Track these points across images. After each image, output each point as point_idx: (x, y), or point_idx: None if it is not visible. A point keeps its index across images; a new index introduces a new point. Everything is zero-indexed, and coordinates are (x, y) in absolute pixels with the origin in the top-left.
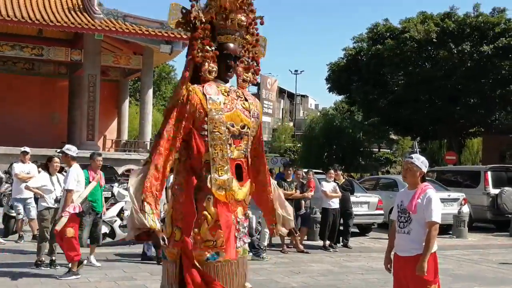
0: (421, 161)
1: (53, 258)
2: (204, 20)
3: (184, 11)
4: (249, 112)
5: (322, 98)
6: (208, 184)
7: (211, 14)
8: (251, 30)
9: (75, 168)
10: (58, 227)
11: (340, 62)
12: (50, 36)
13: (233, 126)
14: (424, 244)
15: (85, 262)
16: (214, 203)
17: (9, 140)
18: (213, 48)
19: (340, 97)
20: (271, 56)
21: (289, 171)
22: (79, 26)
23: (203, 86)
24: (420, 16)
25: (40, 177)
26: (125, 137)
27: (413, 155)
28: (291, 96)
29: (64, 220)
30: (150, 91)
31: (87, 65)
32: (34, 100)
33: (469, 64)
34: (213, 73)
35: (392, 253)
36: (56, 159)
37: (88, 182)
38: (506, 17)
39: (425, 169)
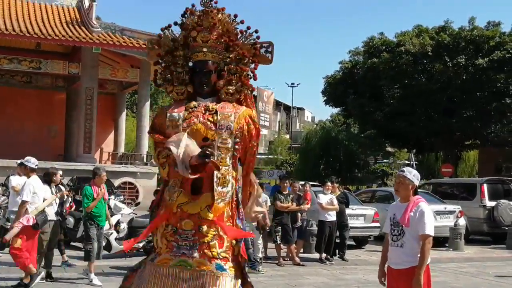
0: (413, 175)
1: (50, 271)
2: (171, 48)
3: (152, 43)
4: (215, 125)
5: (318, 111)
6: (164, 196)
7: (181, 38)
8: (232, 46)
9: (33, 180)
10: (8, 236)
11: (336, 75)
12: (48, 50)
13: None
14: (418, 257)
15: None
16: (164, 211)
17: (6, 153)
18: (182, 70)
19: (336, 110)
20: (267, 69)
21: (285, 184)
22: (77, 39)
23: (170, 105)
24: (415, 29)
25: (42, 190)
26: (121, 149)
27: (405, 169)
28: (287, 109)
29: (15, 230)
30: (147, 104)
31: (84, 78)
32: (32, 113)
33: (464, 77)
34: (182, 93)
35: (386, 266)
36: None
37: (92, 198)
38: (501, 31)
39: (417, 182)
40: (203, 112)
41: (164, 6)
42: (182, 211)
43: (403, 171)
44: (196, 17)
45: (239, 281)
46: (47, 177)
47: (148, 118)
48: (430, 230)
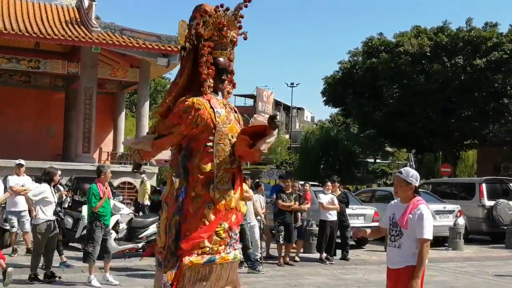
0: (410, 176)
1: (49, 272)
2: (206, 37)
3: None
4: (239, 123)
5: (317, 111)
6: (211, 193)
7: (209, 31)
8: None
9: None
10: None
11: (335, 75)
12: (47, 49)
13: (232, 138)
14: (415, 256)
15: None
16: (213, 212)
17: (4, 153)
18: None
19: (335, 110)
20: (267, 69)
21: (287, 183)
22: (76, 39)
23: (209, 100)
24: (414, 30)
25: (42, 188)
26: (121, 149)
27: (403, 170)
28: (287, 109)
29: None
30: (147, 104)
31: (83, 78)
32: (30, 113)
33: (462, 78)
34: (211, 87)
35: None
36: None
37: (99, 196)
38: (498, 31)
39: (416, 183)
40: (230, 110)
41: (164, 6)
42: (228, 207)
43: (401, 172)
44: (233, 15)
45: None
46: (47, 177)
47: (148, 118)
48: (428, 234)
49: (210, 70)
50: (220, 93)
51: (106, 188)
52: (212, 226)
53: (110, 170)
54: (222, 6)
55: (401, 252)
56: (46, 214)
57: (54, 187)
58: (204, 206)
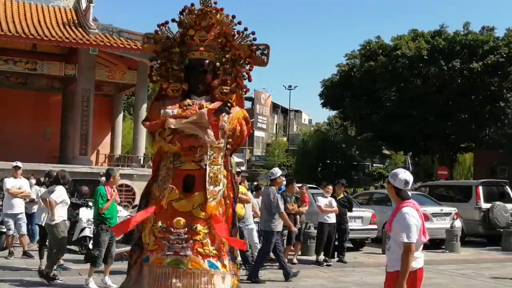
0: (391, 176)
1: (48, 272)
2: (167, 44)
3: (149, 38)
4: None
5: (315, 113)
6: (154, 191)
7: (178, 36)
8: (226, 44)
9: None
10: None
11: (333, 78)
12: (44, 51)
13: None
14: (399, 262)
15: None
16: (155, 207)
17: (1, 155)
18: (178, 67)
19: (333, 113)
20: (265, 71)
21: (291, 186)
22: (74, 41)
23: (163, 102)
24: (411, 33)
25: (61, 191)
26: (118, 151)
27: (394, 172)
28: (284, 111)
29: None
30: (144, 106)
31: (81, 80)
32: (27, 115)
33: (459, 81)
34: (177, 90)
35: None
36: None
37: (106, 198)
38: (495, 35)
39: (399, 185)
40: (197, 110)
41: (162, 8)
42: (173, 208)
43: (392, 175)
44: (194, 15)
45: (232, 276)
46: (63, 179)
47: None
48: (409, 238)
49: (165, 74)
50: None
51: (114, 191)
52: (141, 214)
53: (119, 173)
54: (185, 9)
55: (390, 255)
56: (63, 214)
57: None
58: (152, 202)
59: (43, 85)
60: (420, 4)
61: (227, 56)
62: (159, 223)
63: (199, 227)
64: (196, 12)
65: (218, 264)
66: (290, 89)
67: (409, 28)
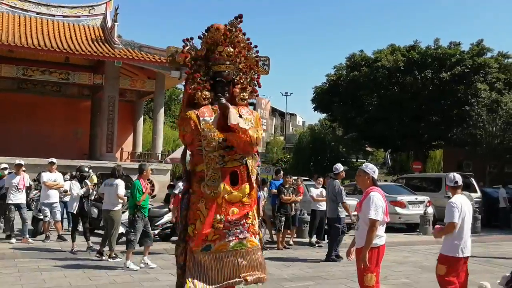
0: (369, 168)
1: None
2: (194, 57)
3: (178, 52)
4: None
5: (308, 116)
6: (202, 189)
7: (204, 50)
8: (241, 58)
9: None
10: None
11: (323, 86)
12: (76, 63)
13: (224, 141)
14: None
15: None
16: (206, 205)
17: (39, 152)
18: (205, 78)
19: (323, 115)
20: (265, 80)
21: (287, 179)
22: (101, 54)
23: (198, 110)
24: (389, 48)
25: (122, 184)
26: (139, 149)
27: (364, 164)
28: (282, 115)
29: None
30: (162, 111)
31: (107, 88)
32: (61, 118)
33: (430, 88)
34: (208, 99)
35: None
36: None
37: (142, 191)
38: (461, 49)
39: (373, 174)
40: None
41: (177, 26)
42: (226, 201)
43: (362, 166)
44: (222, 34)
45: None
46: (118, 173)
47: (163, 123)
48: (375, 215)
49: (198, 85)
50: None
51: (148, 184)
52: (208, 220)
53: (150, 168)
54: (212, 27)
55: (358, 233)
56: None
57: (82, 181)
58: (198, 201)
59: (74, 93)
60: (397, 23)
61: (240, 66)
62: (218, 216)
63: (250, 212)
64: (223, 30)
65: (257, 238)
66: (286, 96)
67: (387, 43)
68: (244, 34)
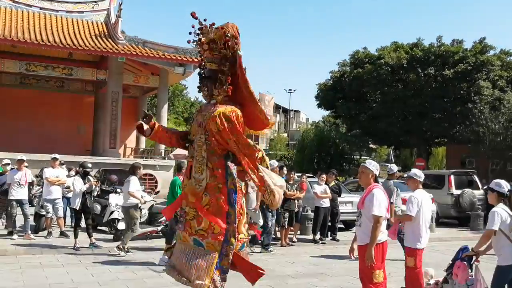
0: (372, 165)
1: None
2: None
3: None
4: (199, 123)
5: (312, 113)
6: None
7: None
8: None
9: None
10: None
11: (327, 83)
12: (79, 59)
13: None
14: (369, 235)
15: None
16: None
17: (41, 148)
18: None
19: (327, 112)
20: (269, 77)
21: (291, 175)
22: (104, 50)
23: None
24: (393, 45)
25: (135, 182)
26: (142, 145)
27: (366, 161)
28: (285, 111)
29: None
30: (165, 106)
31: (110, 84)
32: (64, 114)
33: (434, 86)
34: (206, 96)
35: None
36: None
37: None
38: (464, 47)
39: (376, 172)
40: (200, 113)
41: (181, 21)
42: (183, 192)
43: (365, 163)
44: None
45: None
46: (132, 170)
47: (166, 119)
48: (378, 212)
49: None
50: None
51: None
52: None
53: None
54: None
55: (362, 230)
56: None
57: (85, 177)
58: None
59: (77, 88)
60: (400, 20)
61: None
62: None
63: (188, 209)
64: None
65: (204, 242)
66: (290, 92)
67: (391, 41)
68: (213, 24)
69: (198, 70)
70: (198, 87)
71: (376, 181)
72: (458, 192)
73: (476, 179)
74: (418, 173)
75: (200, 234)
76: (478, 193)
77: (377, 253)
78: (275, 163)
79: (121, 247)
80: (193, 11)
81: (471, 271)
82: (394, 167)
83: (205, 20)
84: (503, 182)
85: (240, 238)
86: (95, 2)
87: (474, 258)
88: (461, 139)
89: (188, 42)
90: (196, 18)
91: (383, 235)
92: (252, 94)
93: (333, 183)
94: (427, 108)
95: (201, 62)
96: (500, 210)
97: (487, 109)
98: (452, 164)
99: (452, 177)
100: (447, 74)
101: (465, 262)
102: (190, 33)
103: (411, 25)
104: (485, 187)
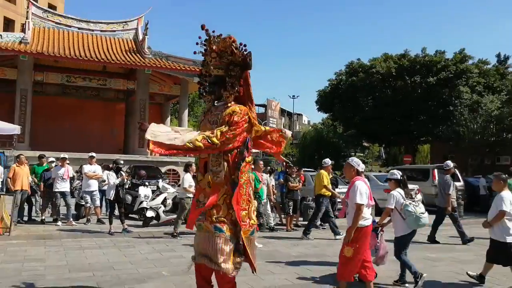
0: (355, 161)
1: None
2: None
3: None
4: (210, 122)
5: (313, 116)
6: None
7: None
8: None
9: None
10: None
11: (326, 89)
12: (112, 71)
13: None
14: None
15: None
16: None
17: (80, 148)
18: (206, 83)
19: (326, 115)
20: (275, 85)
21: (293, 169)
22: (133, 63)
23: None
24: (383, 56)
25: (188, 178)
26: None
27: (350, 158)
28: (289, 115)
29: None
30: (186, 112)
31: (139, 92)
32: (99, 118)
33: (419, 91)
34: (209, 101)
35: None
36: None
37: (259, 181)
38: (445, 57)
39: (358, 167)
40: (210, 113)
41: (194, 37)
42: (199, 187)
43: (349, 160)
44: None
45: (234, 240)
46: (187, 167)
47: (187, 122)
48: (360, 200)
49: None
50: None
51: (262, 175)
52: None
53: (262, 161)
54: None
55: (349, 216)
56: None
57: (118, 172)
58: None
59: (111, 97)
60: (389, 34)
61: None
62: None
63: (207, 199)
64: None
65: (224, 228)
66: (293, 98)
67: (381, 52)
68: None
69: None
70: (201, 93)
71: (358, 174)
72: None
73: (457, 172)
74: (356, 160)
75: (220, 221)
76: (459, 184)
77: (359, 235)
78: (328, 161)
79: (175, 234)
80: (203, 24)
81: (378, 239)
82: (450, 163)
83: (213, 31)
84: (396, 171)
85: (252, 224)
86: (125, 22)
87: (379, 229)
88: (444, 137)
89: (194, 53)
90: (206, 30)
91: (366, 220)
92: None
93: (331, 176)
94: (413, 111)
95: (201, 71)
96: (396, 193)
97: (467, 111)
98: (436, 160)
99: (435, 170)
100: (430, 81)
101: (374, 233)
102: (197, 43)
103: (399, 38)
104: (470, 178)
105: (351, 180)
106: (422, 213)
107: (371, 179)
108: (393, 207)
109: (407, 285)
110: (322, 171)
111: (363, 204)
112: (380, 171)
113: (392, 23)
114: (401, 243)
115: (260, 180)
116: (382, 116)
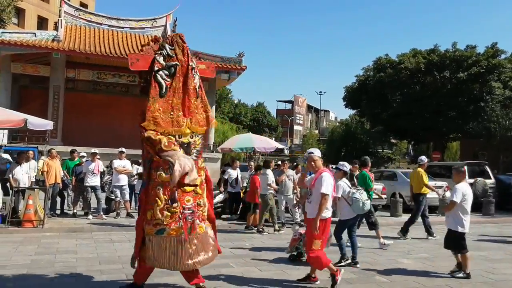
0: (317, 152)
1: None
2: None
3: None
4: None
5: (340, 112)
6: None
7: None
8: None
9: None
10: None
11: (353, 85)
12: None
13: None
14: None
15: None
16: (163, 192)
17: (110, 143)
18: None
19: (353, 111)
20: (302, 81)
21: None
22: None
23: None
24: (412, 51)
25: (271, 175)
26: None
27: (311, 149)
28: (316, 111)
29: None
30: (213, 108)
31: None
32: (128, 114)
33: (449, 87)
34: None
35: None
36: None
37: (371, 180)
38: (477, 52)
39: (316, 157)
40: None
41: (225, 34)
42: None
43: (311, 152)
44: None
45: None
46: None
47: (215, 117)
48: (326, 190)
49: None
50: None
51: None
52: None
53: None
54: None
55: (312, 206)
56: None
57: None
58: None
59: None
60: (418, 28)
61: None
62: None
63: (202, 201)
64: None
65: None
66: (320, 94)
67: (410, 47)
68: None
69: (240, 76)
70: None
71: (326, 166)
72: (471, 181)
73: (488, 169)
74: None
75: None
76: (490, 181)
77: (320, 226)
78: (425, 158)
79: (260, 229)
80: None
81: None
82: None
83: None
84: (345, 163)
85: (157, 223)
86: (154, 19)
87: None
88: (474, 134)
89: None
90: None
91: (327, 212)
92: None
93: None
94: (443, 107)
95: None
96: (342, 183)
97: (499, 107)
98: (466, 157)
99: (465, 167)
100: (461, 76)
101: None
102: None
103: (429, 33)
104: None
105: (318, 172)
106: (366, 200)
107: (398, 176)
108: (340, 196)
109: (358, 265)
110: (420, 169)
111: (328, 195)
112: (408, 168)
113: (421, 17)
114: (344, 226)
115: (371, 179)
116: (410, 112)
